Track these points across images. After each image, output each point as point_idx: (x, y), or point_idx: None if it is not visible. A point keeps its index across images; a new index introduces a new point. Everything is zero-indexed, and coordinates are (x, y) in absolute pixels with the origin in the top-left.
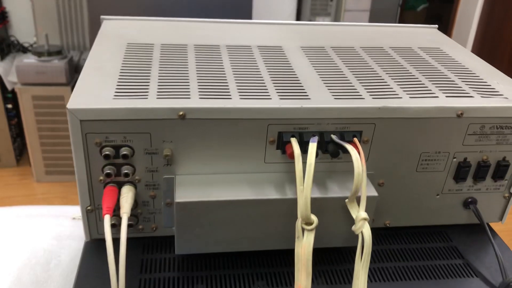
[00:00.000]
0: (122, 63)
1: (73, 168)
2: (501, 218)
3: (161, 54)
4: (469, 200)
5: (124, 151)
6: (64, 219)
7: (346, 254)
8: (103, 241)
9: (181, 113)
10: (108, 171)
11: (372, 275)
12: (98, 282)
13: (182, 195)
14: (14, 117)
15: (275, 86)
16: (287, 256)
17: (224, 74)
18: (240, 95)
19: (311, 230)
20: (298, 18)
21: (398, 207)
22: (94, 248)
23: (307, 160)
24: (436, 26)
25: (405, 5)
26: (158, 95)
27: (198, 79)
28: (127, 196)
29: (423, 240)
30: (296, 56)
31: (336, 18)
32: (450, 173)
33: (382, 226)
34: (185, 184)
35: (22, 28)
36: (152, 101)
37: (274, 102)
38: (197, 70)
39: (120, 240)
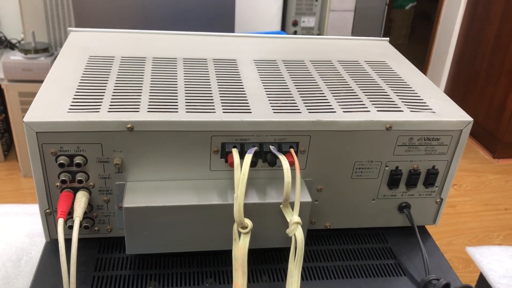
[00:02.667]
0: (81, 77)
1: None
2: (434, 221)
3: (119, 67)
4: (403, 204)
5: (77, 160)
6: (38, 217)
7: (283, 254)
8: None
9: (129, 125)
10: (63, 178)
11: (308, 274)
12: (54, 279)
13: (130, 201)
14: (2, 112)
15: (221, 99)
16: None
17: (176, 87)
18: (186, 109)
19: (246, 233)
20: (284, 17)
21: (337, 210)
22: (53, 248)
23: (242, 170)
24: (388, 39)
25: (393, 4)
26: (109, 108)
27: (150, 93)
28: (80, 201)
29: (361, 241)
30: (248, 70)
31: (321, 18)
32: (383, 180)
33: (322, 227)
34: (134, 190)
35: (10, 24)
36: (103, 115)
37: (217, 115)
38: (150, 84)
39: (72, 241)
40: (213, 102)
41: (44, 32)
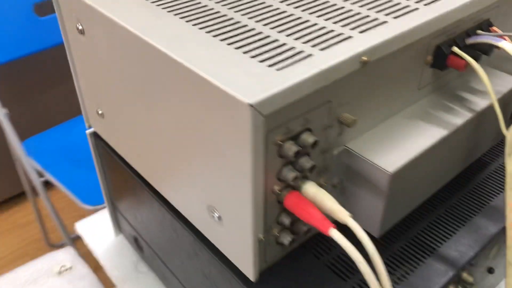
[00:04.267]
0: (194, 26)
1: None
2: None
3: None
4: None
5: (308, 138)
6: (44, 278)
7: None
8: (268, 271)
9: (364, 58)
10: (293, 174)
11: None
12: None
13: (388, 164)
14: None
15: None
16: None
17: (330, 8)
18: (393, 21)
19: None
20: None
21: None
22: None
23: None
24: None
25: None
26: (315, 47)
27: (320, 18)
28: (323, 193)
29: None
30: None
31: None
32: None
33: None
34: (373, 150)
35: None
36: (320, 58)
37: (423, 14)
38: (301, 10)
39: (367, 247)
40: (407, 4)
41: None
